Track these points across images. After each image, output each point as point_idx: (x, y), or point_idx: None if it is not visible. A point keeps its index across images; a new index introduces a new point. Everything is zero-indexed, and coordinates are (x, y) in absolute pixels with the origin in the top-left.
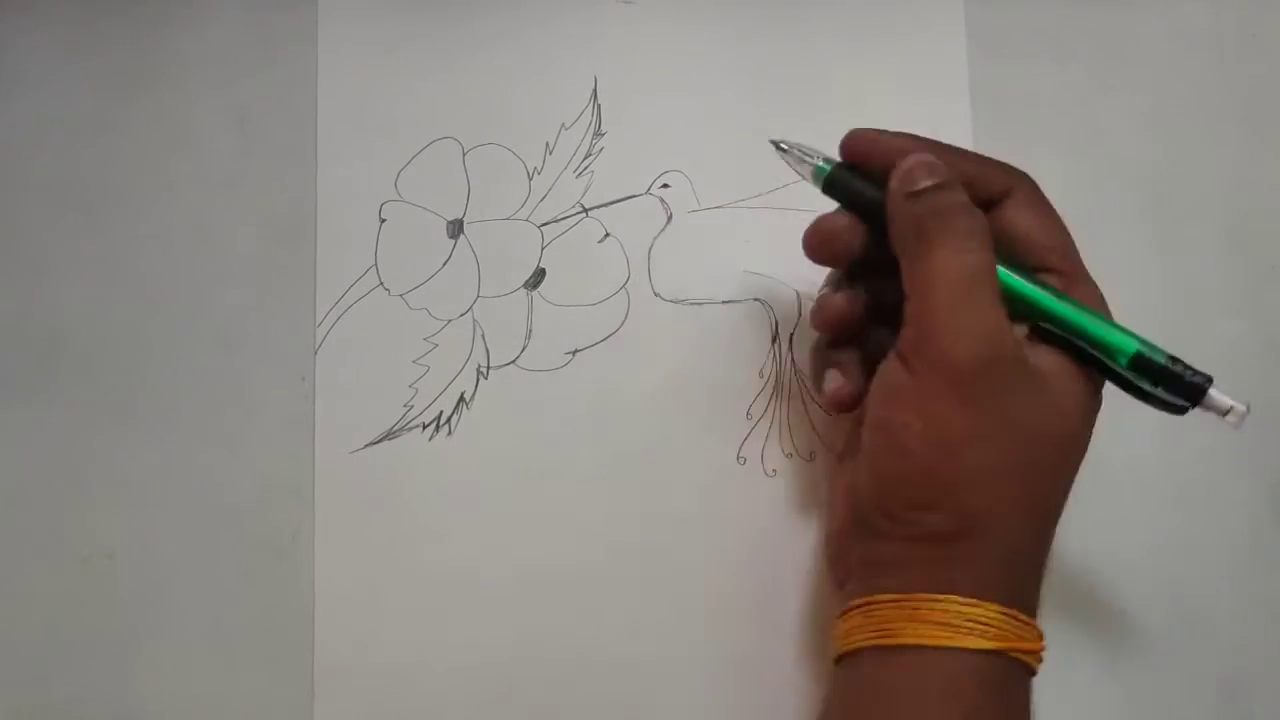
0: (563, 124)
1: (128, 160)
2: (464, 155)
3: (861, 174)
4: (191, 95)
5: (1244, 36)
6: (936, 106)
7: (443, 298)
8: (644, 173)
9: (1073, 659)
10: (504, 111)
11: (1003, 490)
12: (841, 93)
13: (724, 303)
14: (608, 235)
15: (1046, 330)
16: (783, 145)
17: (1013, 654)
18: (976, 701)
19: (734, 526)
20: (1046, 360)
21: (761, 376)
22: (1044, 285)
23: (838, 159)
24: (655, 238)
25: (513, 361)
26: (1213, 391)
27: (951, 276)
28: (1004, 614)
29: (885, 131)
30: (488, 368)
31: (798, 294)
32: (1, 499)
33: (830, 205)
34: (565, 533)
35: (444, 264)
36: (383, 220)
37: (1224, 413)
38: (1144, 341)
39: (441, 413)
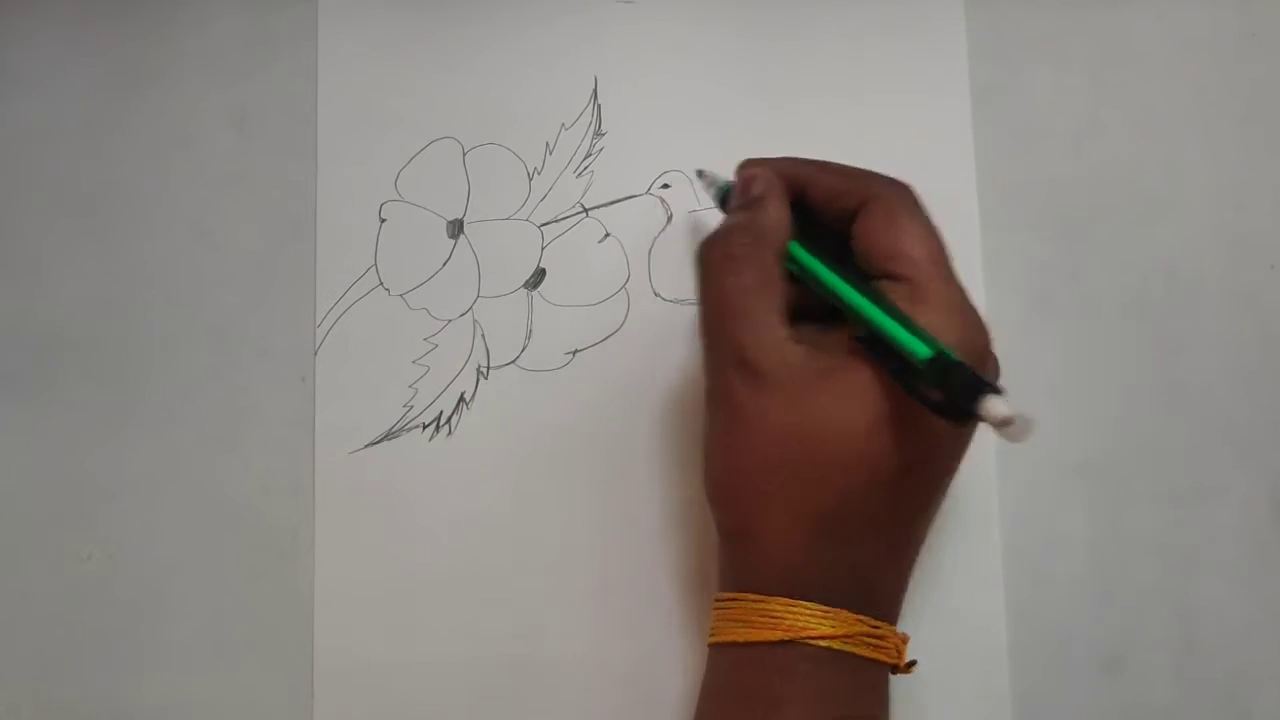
0: (563, 124)
1: (128, 160)
2: (464, 155)
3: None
4: (191, 95)
5: (1244, 36)
6: (936, 106)
7: (443, 298)
8: (644, 173)
9: (1074, 659)
10: (504, 111)
11: (766, 499)
12: (841, 93)
13: None
14: (608, 235)
15: (866, 339)
16: (701, 172)
17: (807, 641)
18: (779, 692)
19: None
20: (828, 368)
21: None
22: (865, 290)
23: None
24: (655, 238)
25: (513, 361)
26: (993, 399)
27: (714, 295)
28: (792, 606)
29: (773, 159)
30: (488, 368)
31: None
32: (1, 499)
33: None
34: (565, 533)
35: (444, 264)
36: (383, 220)
37: (1000, 423)
38: (942, 348)
39: (441, 413)
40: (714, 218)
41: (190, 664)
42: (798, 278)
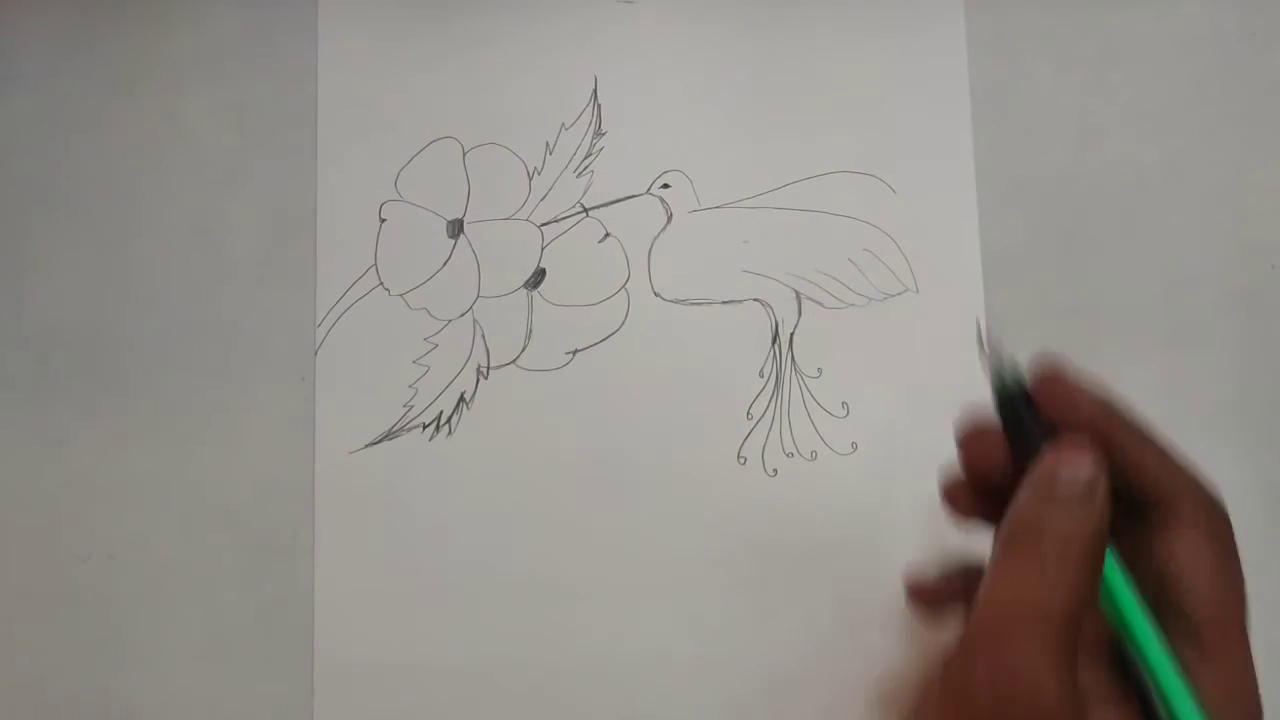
0: (563, 124)
1: (127, 159)
2: (464, 155)
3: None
4: (191, 94)
5: (1244, 36)
6: (936, 106)
7: (443, 298)
8: (644, 173)
9: None
10: (504, 111)
11: None
12: (841, 93)
13: (724, 303)
14: (608, 235)
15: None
16: (983, 341)
17: None
18: None
19: (734, 526)
20: None
21: (761, 376)
22: (1153, 625)
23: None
24: (655, 238)
25: (513, 361)
26: None
27: (1006, 601)
28: None
29: (1085, 394)
30: (488, 368)
31: (797, 294)
32: (1, 499)
33: None
34: (565, 533)
35: (444, 264)
36: (383, 220)
37: None
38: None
39: (441, 413)
40: (715, 219)
41: (190, 664)
42: None
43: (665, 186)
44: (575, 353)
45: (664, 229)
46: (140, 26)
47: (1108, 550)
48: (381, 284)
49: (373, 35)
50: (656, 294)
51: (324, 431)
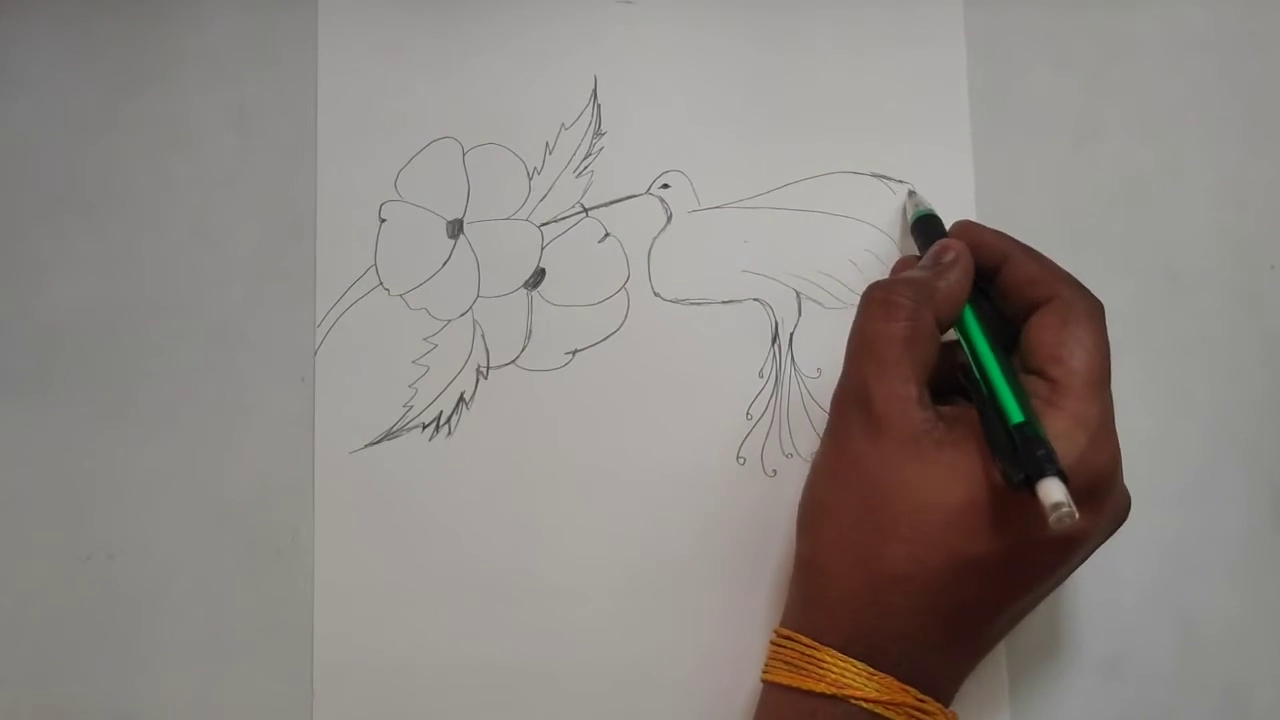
0: (563, 124)
1: (127, 160)
2: (464, 155)
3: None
4: (191, 95)
5: (1244, 36)
6: (936, 107)
7: (443, 298)
8: (644, 173)
9: (1073, 659)
10: (504, 111)
11: (841, 538)
12: (841, 93)
13: (724, 303)
14: (608, 235)
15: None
16: (912, 191)
17: (850, 699)
18: None
19: (734, 526)
20: (944, 440)
21: (761, 376)
22: (1000, 360)
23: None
24: (655, 238)
25: (513, 361)
26: (1050, 481)
27: (862, 334)
28: (840, 661)
29: (985, 228)
30: (488, 368)
31: (797, 294)
32: (1, 499)
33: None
34: (565, 533)
35: (444, 264)
36: (383, 220)
37: (1051, 507)
38: (1035, 422)
39: (441, 413)
40: (715, 219)
41: (190, 664)
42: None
43: (665, 186)
44: (575, 353)
45: (664, 229)
46: (141, 28)
47: (967, 305)
48: (381, 284)
49: (373, 36)
50: (656, 294)
51: (324, 431)
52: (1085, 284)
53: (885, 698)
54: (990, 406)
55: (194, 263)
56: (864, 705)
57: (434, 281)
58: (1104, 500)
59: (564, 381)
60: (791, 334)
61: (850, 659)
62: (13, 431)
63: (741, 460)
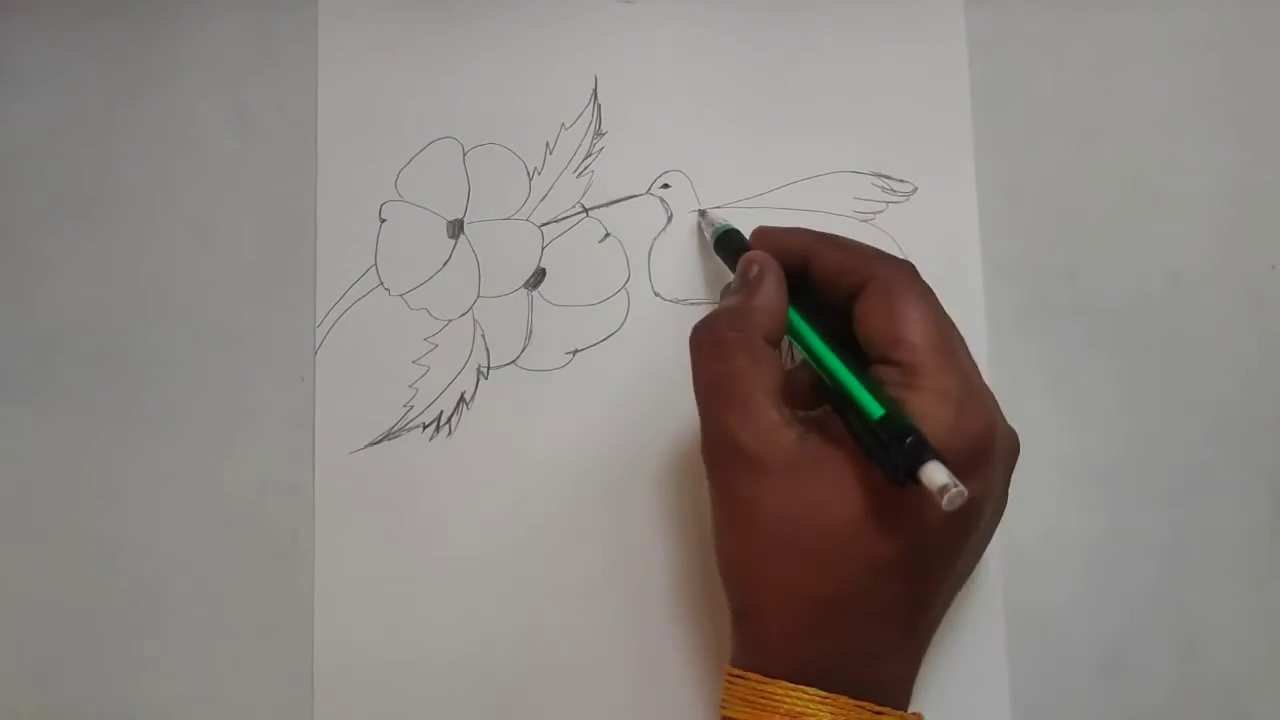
0: (563, 124)
1: (128, 160)
2: (464, 155)
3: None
4: (192, 95)
5: (1244, 36)
6: (936, 107)
7: (443, 298)
8: (644, 173)
9: (1073, 659)
10: (504, 111)
11: (761, 583)
12: (842, 93)
13: None
14: (608, 235)
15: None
16: (703, 212)
17: None
18: None
19: None
20: (821, 455)
21: None
22: (840, 354)
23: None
24: (655, 238)
25: (513, 361)
26: (931, 466)
27: (704, 381)
28: (791, 691)
29: (782, 229)
30: (488, 368)
31: None
32: (1, 499)
33: None
34: (564, 532)
35: (444, 264)
36: (383, 220)
37: (938, 490)
38: (896, 411)
39: (441, 413)
40: (716, 217)
41: (190, 664)
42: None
43: (665, 186)
44: (575, 353)
45: (664, 229)
46: (142, 29)
47: (791, 311)
48: (381, 284)
49: (373, 36)
50: (656, 294)
51: (324, 431)
52: (1085, 284)
53: (839, 717)
54: (849, 409)
55: (194, 263)
56: None
57: (434, 281)
58: (989, 460)
59: (564, 381)
60: None
61: (801, 687)
62: (13, 432)
63: None
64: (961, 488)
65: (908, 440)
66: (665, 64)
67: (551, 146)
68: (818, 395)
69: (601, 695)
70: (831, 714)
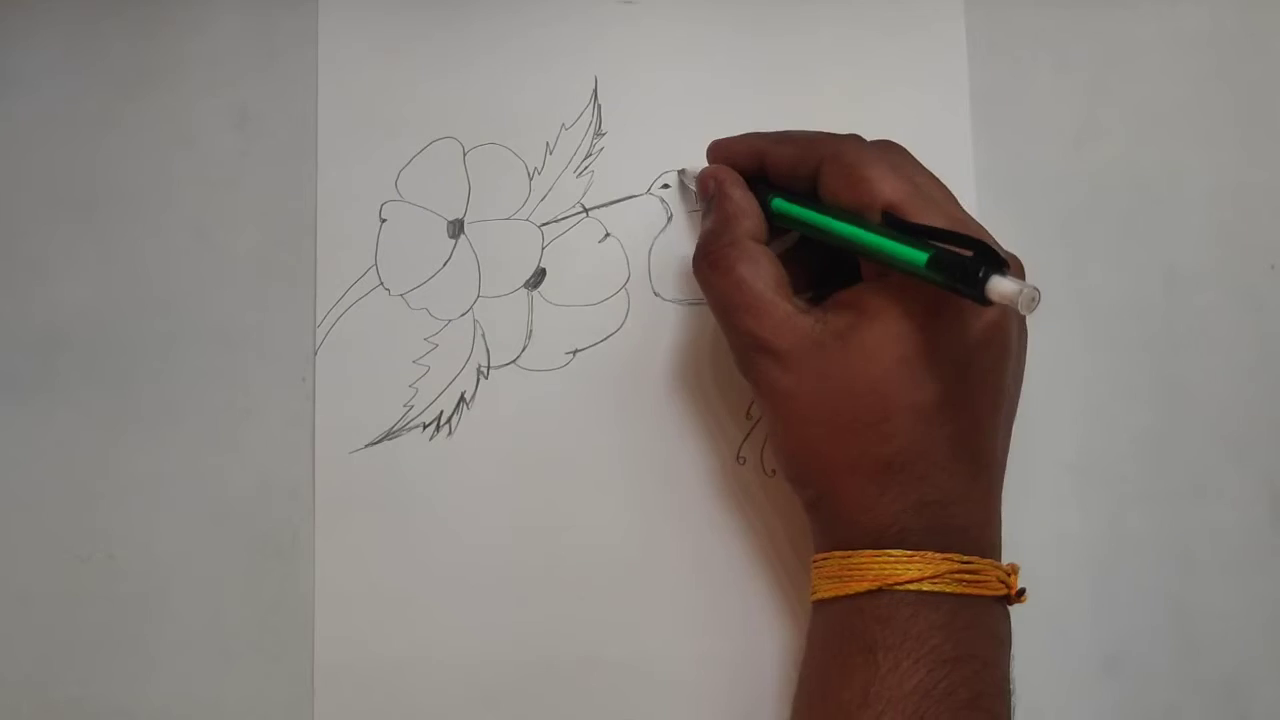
0: (563, 124)
1: (128, 160)
2: (464, 155)
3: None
4: (192, 95)
5: (1243, 36)
6: (936, 106)
7: (443, 298)
8: (644, 173)
9: (1073, 658)
10: (504, 111)
11: (825, 468)
12: (842, 93)
13: None
14: (608, 235)
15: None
16: (683, 170)
17: (895, 588)
18: (877, 638)
19: (734, 526)
20: (841, 327)
21: None
22: (853, 219)
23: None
24: (655, 238)
25: (513, 361)
26: (996, 279)
27: (716, 300)
28: (877, 556)
29: (733, 138)
30: (488, 368)
31: None
32: (1, 499)
33: None
34: (565, 532)
35: (444, 264)
36: (383, 220)
37: (1009, 298)
38: (935, 245)
39: (442, 413)
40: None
41: (190, 664)
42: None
43: (665, 186)
44: (575, 353)
45: (664, 229)
46: (142, 29)
47: (778, 202)
48: (382, 284)
49: (373, 36)
50: (656, 294)
51: (324, 431)
52: (1085, 284)
53: (929, 573)
54: (897, 265)
55: (194, 263)
56: (911, 588)
57: (434, 281)
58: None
59: (564, 381)
60: None
61: (885, 550)
62: (13, 432)
63: (742, 460)
64: (1033, 287)
65: (969, 266)
66: (665, 64)
67: (551, 146)
68: (819, 275)
69: (601, 694)
70: (919, 570)
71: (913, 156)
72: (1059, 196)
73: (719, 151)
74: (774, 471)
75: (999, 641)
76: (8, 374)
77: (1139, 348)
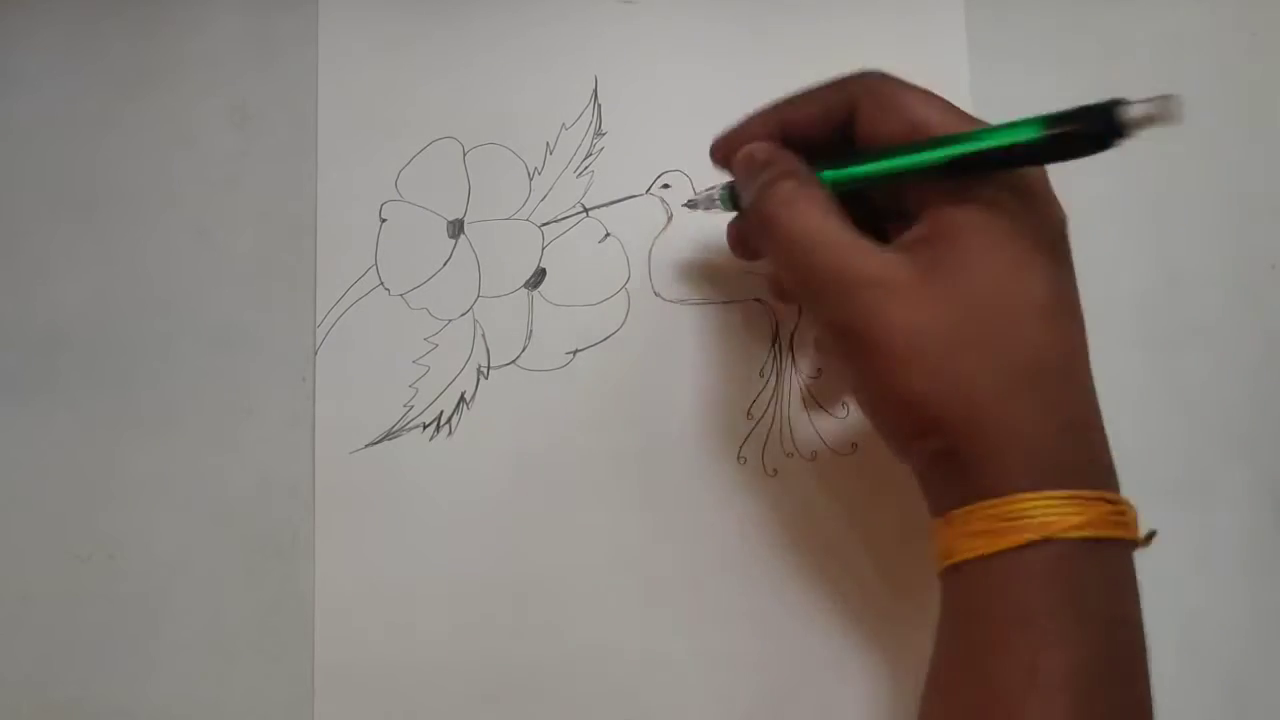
0: (563, 124)
1: (128, 160)
2: (464, 155)
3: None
4: (192, 95)
5: (1244, 36)
6: None
7: (443, 298)
8: (644, 173)
9: None
10: (505, 111)
11: (966, 376)
12: None
13: (724, 303)
14: (608, 235)
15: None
16: (693, 203)
17: (1058, 536)
18: (1035, 603)
19: (734, 526)
20: (934, 253)
21: (761, 376)
22: (934, 142)
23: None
24: (655, 238)
25: (513, 361)
26: (1124, 108)
27: (792, 245)
28: (1037, 499)
29: (732, 127)
30: (488, 368)
31: None
32: (1, 499)
33: None
34: (565, 533)
35: (444, 264)
36: (383, 220)
37: (1154, 117)
38: (1041, 116)
39: (442, 413)
40: (715, 219)
41: (190, 664)
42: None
43: (665, 186)
44: (575, 353)
45: (664, 229)
46: (142, 28)
47: (828, 174)
48: (382, 284)
49: (373, 36)
50: (656, 294)
51: (324, 431)
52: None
53: (1089, 516)
54: (1001, 162)
55: (194, 263)
56: (1074, 535)
57: (434, 281)
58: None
59: (564, 381)
60: (792, 334)
61: (1043, 491)
62: (13, 431)
63: (742, 460)
64: (1163, 97)
65: (1084, 115)
66: (665, 64)
67: (551, 146)
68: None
69: (601, 694)
70: (1080, 513)
71: None
72: (1059, 196)
73: (729, 145)
74: (775, 472)
75: (1139, 600)
76: (8, 374)
77: (1139, 347)
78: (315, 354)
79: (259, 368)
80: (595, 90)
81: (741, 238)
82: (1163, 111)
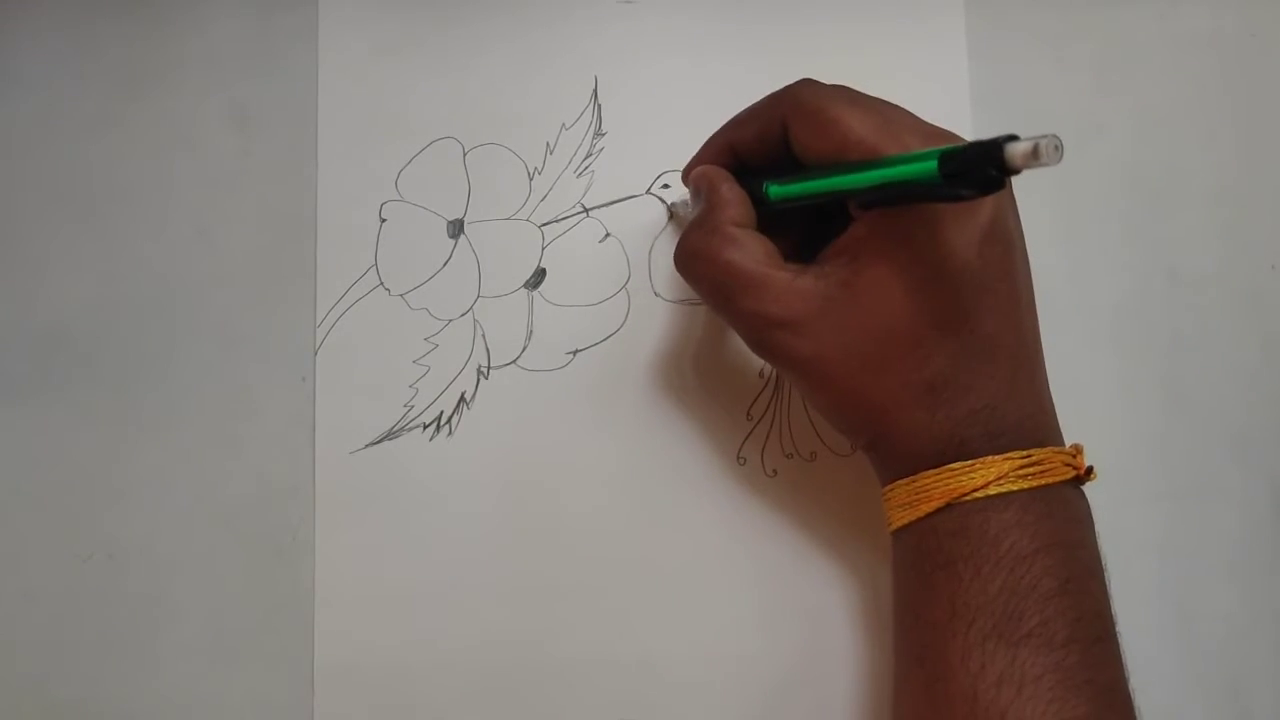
0: (563, 124)
1: (128, 160)
2: (464, 155)
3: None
4: (192, 95)
5: (1244, 36)
6: (937, 106)
7: (443, 298)
8: (644, 173)
9: None
10: (505, 111)
11: (871, 396)
12: None
13: None
14: (608, 235)
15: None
16: (674, 208)
17: (963, 499)
18: (956, 553)
19: (734, 526)
20: (844, 275)
21: (761, 377)
22: (849, 166)
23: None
24: (655, 238)
25: (513, 361)
26: (1010, 147)
27: (710, 291)
28: (938, 474)
29: (700, 151)
30: (488, 368)
31: None
32: (2, 499)
33: None
34: (565, 532)
35: (444, 264)
36: (383, 220)
37: (1033, 155)
38: (938, 149)
39: (442, 413)
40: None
41: (190, 664)
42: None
43: (665, 186)
44: (575, 353)
45: (664, 229)
46: (142, 29)
47: (771, 187)
48: (382, 284)
49: (373, 36)
50: (656, 294)
51: (324, 431)
52: (1086, 284)
53: (991, 476)
54: (905, 188)
55: (194, 263)
56: (978, 495)
57: (434, 281)
58: None
59: (564, 381)
60: None
61: (946, 466)
62: (13, 432)
63: (742, 460)
64: (1049, 135)
65: (970, 152)
66: (665, 64)
67: (551, 146)
68: (804, 239)
69: (601, 694)
70: (983, 475)
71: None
72: (1059, 196)
73: (689, 169)
74: (774, 472)
75: (1078, 522)
76: (8, 374)
77: (1140, 348)
78: (315, 354)
79: (259, 368)
80: (595, 90)
81: None
82: (1048, 151)
